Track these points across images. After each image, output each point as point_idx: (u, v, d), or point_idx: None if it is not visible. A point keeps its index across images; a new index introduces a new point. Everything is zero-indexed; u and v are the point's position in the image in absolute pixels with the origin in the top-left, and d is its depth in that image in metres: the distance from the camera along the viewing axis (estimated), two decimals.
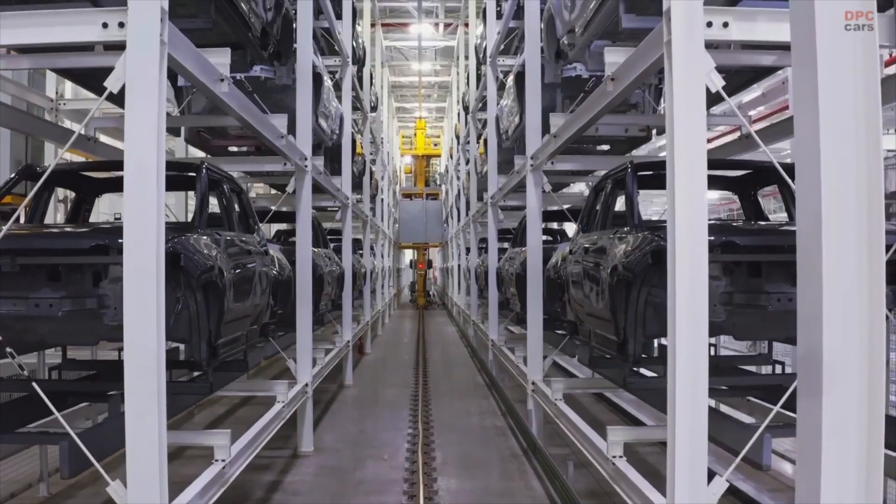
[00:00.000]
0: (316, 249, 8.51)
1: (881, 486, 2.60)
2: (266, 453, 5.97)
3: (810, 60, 2.55)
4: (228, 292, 4.64)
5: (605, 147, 9.31)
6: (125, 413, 3.08)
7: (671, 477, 3.11)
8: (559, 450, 6.45)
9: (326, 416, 8.64)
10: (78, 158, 8.67)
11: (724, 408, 6.66)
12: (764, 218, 6.08)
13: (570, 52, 6.25)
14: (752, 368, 6.01)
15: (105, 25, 3.19)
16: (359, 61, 13.32)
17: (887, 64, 10.54)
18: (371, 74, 16.88)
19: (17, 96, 8.08)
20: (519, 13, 8.84)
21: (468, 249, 17.02)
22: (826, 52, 2.53)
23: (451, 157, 25.49)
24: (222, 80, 4.20)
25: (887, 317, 2.69)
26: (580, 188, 14.10)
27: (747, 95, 12.30)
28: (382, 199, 21.37)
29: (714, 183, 6.18)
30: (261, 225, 6.66)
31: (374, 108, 17.67)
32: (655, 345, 5.74)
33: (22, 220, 5.75)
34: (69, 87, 9.65)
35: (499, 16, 10.53)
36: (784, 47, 2.96)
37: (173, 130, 8.39)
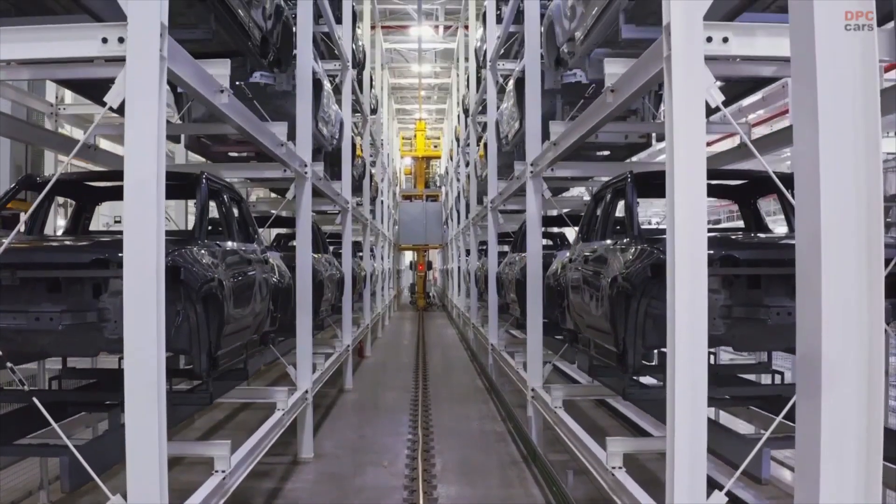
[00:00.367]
0: (316, 255, 8.51)
1: (880, 491, 2.60)
2: (266, 460, 5.97)
3: (809, 61, 2.52)
4: (228, 304, 4.65)
5: (606, 152, 9.31)
6: (125, 428, 3.08)
7: (670, 491, 3.11)
8: (559, 456, 6.45)
9: (326, 421, 8.64)
10: (77, 162, 8.66)
11: (723, 414, 6.68)
12: (764, 226, 6.08)
13: (570, 61, 6.25)
14: (752, 377, 6.00)
15: (105, 40, 3.20)
16: (359, 64, 13.31)
17: (886, 70, 10.53)
18: (371, 77, 16.87)
19: (16, 101, 8.09)
20: (519, 18, 8.84)
21: (468, 251, 17.02)
22: (825, 53, 2.50)
23: (451, 159, 25.49)
24: (222, 91, 4.20)
25: (886, 331, 2.69)
26: (580, 191, 14.11)
27: (747, 99, 12.30)
28: (382, 201, 21.36)
29: (714, 191, 6.18)
30: (260, 230, 6.67)
31: (374, 111, 17.66)
32: (655, 352, 5.74)
33: (22, 229, 5.75)
34: (69, 92, 9.64)
35: (499, 20, 10.51)
36: (784, 60, 2.94)
37: (173, 137, 8.39)
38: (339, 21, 10.68)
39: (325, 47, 10.68)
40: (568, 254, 6.53)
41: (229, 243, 5.36)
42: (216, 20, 4.86)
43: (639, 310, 4.23)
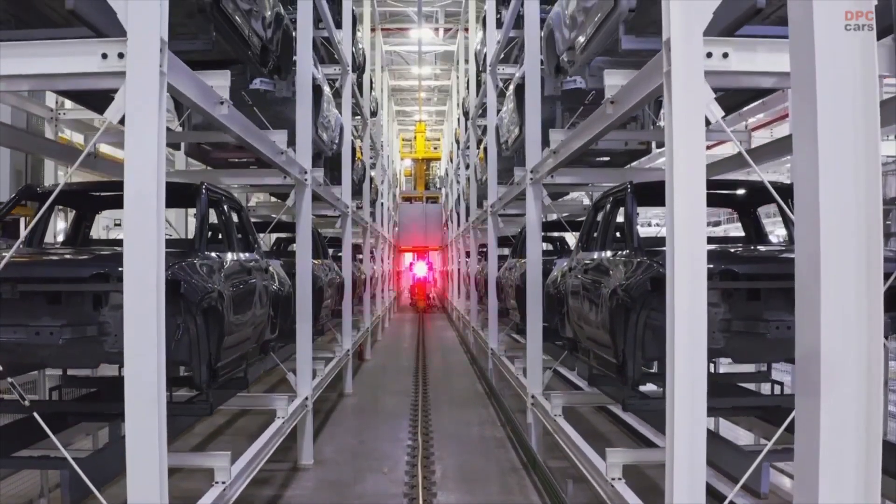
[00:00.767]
0: (316, 261, 8.51)
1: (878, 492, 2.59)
2: (266, 466, 5.96)
3: (809, 62, 2.51)
4: (229, 316, 4.65)
5: (605, 158, 9.32)
6: (126, 442, 3.08)
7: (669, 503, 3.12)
8: (559, 462, 6.44)
9: (326, 426, 8.64)
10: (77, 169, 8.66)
11: (723, 423, 6.68)
12: (764, 236, 6.09)
13: (570, 69, 6.25)
14: (751, 385, 6.01)
15: (105, 56, 3.18)
16: (359, 68, 13.29)
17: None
18: (371, 79, 16.87)
19: (16, 107, 8.09)
20: (519, 22, 8.83)
21: (468, 253, 17.02)
22: (825, 54, 2.49)
23: (451, 161, 25.48)
24: (222, 103, 4.20)
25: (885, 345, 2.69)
26: (579, 194, 14.10)
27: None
28: (382, 204, 21.36)
29: (714, 200, 6.18)
30: (260, 235, 6.67)
31: (374, 114, 17.65)
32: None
33: (21, 237, 5.76)
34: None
35: (499, 24, 10.49)
36: (785, 74, 2.92)
37: (173, 144, 8.39)
38: (338, 25, 10.65)
39: (325, 52, 10.66)
40: (567, 262, 6.53)
41: (229, 254, 5.36)
42: (216, 31, 4.86)
43: (638, 322, 4.24)
